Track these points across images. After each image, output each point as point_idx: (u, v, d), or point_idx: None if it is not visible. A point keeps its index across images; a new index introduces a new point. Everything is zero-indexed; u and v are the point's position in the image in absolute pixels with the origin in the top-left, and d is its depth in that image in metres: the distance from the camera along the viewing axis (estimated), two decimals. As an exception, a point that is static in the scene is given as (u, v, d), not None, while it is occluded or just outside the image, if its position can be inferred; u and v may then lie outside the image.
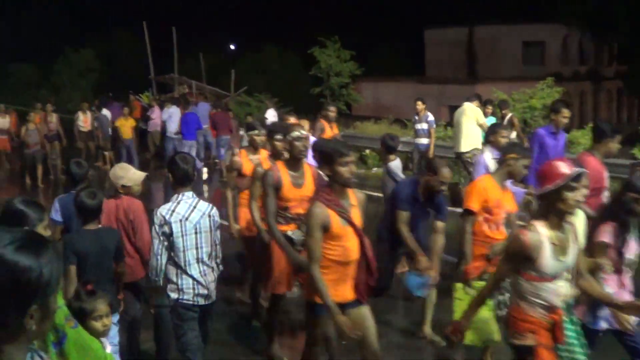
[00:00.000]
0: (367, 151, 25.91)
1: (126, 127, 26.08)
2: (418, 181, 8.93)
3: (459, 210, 15.25)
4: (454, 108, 32.29)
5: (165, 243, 6.97)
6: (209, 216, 7.13)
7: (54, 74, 58.09)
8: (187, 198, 7.06)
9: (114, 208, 7.94)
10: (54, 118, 26.38)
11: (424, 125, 20.12)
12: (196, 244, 7.03)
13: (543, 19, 49.11)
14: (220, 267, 7.42)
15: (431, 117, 20.26)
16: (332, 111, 16.17)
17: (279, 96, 36.35)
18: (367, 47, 51.71)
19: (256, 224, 8.99)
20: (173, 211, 6.98)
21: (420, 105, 20.16)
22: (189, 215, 7.00)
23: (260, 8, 65.61)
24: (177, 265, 7.00)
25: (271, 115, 27.30)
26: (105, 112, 28.19)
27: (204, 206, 7.17)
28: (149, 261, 7.20)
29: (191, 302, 7.04)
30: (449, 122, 25.47)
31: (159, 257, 6.97)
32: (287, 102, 36.04)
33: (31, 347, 2.56)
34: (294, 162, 8.27)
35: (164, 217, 6.96)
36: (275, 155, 9.16)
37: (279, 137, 8.97)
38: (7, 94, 49.79)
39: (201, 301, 7.09)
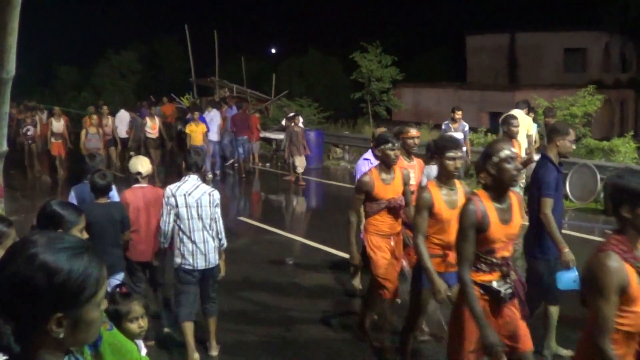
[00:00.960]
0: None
1: (197, 133, 23.60)
2: (549, 158, 8.10)
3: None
4: (494, 114, 32.20)
5: (173, 212, 8.61)
6: (209, 195, 8.66)
7: (96, 76, 58.45)
8: (192, 180, 8.68)
9: (140, 194, 9.37)
10: (109, 121, 25.28)
11: (460, 135, 18.55)
12: (198, 214, 8.59)
13: (584, 26, 48.73)
14: (223, 242, 8.89)
15: (467, 127, 19.66)
16: (514, 125, 13.19)
17: (320, 100, 36.48)
18: (409, 52, 51.67)
19: (430, 275, 7.19)
20: (179, 187, 8.64)
21: (458, 114, 19.39)
22: (192, 191, 8.61)
23: (303, 12, 65.66)
24: (183, 232, 8.59)
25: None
26: (124, 113, 27.81)
27: (205, 187, 8.76)
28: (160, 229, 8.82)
29: (191, 267, 8.61)
30: (489, 129, 25.36)
31: (166, 223, 8.67)
32: (327, 107, 36.13)
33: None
34: (502, 191, 6.20)
35: (171, 191, 8.64)
36: (446, 176, 7.46)
37: (451, 154, 7.28)
38: (51, 96, 50.36)
39: (201, 264, 8.62)
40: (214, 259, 8.71)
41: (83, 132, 22.42)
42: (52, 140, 26.13)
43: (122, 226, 8.81)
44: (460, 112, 19.40)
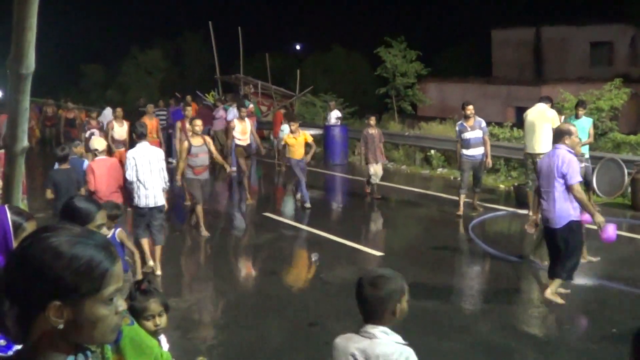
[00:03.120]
0: (433, 152, 25.74)
1: (297, 146, 19.02)
2: None
3: (524, 212, 15.12)
4: (520, 109, 32.05)
5: (134, 168, 12.35)
6: (156, 153, 12.68)
7: (121, 74, 58.78)
8: (143, 145, 12.63)
9: (102, 164, 12.55)
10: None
11: (479, 133, 17.43)
12: (150, 169, 12.41)
13: (611, 19, 48.35)
14: (168, 183, 12.84)
15: (484, 123, 17.74)
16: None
17: (344, 96, 36.45)
18: (433, 47, 51.45)
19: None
20: (136, 151, 12.50)
21: (470, 109, 17.41)
22: (145, 153, 12.48)
23: (327, 9, 65.56)
24: (140, 181, 12.37)
25: (334, 117, 27.53)
26: (108, 111, 27.09)
27: (154, 148, 12.92)
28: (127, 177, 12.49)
29: (144, 205, 12.48)
30: (515, 123, 25.21)
31: (131, 176, 12.38)
32: (352, 103, 36.10)
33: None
34: None
35: (132, 154, 12.52)
36: None
37: None
38: (77, 94, 50.68)
39: (150, 203, 12.49)
40: (160, 199, 12.57)
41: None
42: (114, 148, 20.92)
43: (78, 184, 12.36)
44: (471, 107, 17.55)
